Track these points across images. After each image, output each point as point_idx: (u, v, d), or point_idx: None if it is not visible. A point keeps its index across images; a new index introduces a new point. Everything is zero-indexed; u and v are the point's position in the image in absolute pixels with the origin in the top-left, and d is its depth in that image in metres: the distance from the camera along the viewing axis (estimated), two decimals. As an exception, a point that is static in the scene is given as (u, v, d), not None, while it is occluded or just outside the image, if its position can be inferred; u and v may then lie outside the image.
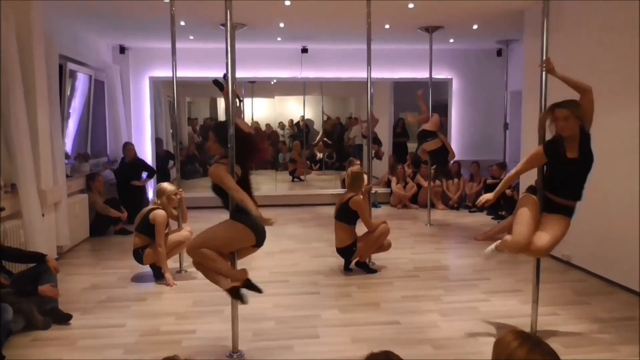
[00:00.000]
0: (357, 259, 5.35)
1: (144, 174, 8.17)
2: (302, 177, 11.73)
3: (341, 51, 9.23)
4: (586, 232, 3.67)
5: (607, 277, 4.93)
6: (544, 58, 3.56)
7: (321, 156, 12.48)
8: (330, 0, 5.94)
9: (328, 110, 12.83)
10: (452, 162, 8.48)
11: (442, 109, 9.90)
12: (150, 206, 5.16)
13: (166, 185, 5.23)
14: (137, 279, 5.16)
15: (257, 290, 3.49)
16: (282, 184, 10.98)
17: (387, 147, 10.84)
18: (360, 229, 5.32)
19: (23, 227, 5.00)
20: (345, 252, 5.30)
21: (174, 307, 4.39)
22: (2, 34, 4.82)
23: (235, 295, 3.41)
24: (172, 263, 5.26)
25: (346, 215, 5.24)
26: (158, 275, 5.07)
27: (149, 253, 5.02)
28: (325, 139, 12.17)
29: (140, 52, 9.10)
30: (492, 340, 1.75)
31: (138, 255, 5.08)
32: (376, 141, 9.93)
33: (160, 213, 4.99)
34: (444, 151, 7.95)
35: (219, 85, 3.85)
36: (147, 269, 5.21)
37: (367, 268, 5.35)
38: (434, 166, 8.06)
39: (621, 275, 4.73)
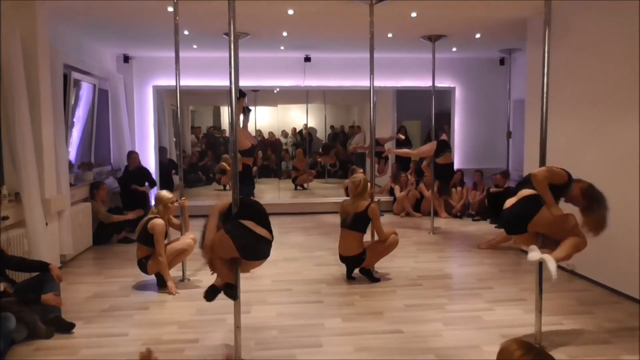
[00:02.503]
0: (362, 266, 5.34)
1: (147, 183, 8.18)
2: (305, 185, 11.73)
3: (344, 60, 9.27)
4: (591, 241, 3.64)
5: (611, 287, 4.90)
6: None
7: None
8: (333, 9, 5.97)
9: (331, 119, 12.86)
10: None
11: (444, 117, 9.93)
12: (149, 215, 5.14)
13: (164, 193, 5.20)
14: (140, 287, 5.16)
15: (232, 297, 3.42)
16: (285, 192, 10.99)
17: (390, 156, 10.81)
18: (364, 237, 5.31)
19: (27, 236, 5.02)
20: (354, 260, 5.26)
21: (176, 316, 4.38)
22: (8, 43, 4.86)
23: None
24: (175, 272, 5.26)
25: (360, 223, 5.20)
26: (162, 283, 5.06)
27: (152, 263, 5.02)
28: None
29: (144, 61, 9.16)
30: (496, 349, 1.74)
31: (142, 266, 5.08)
32: (382, 154, 9.77)
33: (158, 222, 4.96)
34: (451, 168, 7.95)
35: (240, 93, 3.91)
36: (149, 277, 5.20)
37: (371, 276, 5.33)
38: (437, 182, 8.05)
39: (626, 285, 4.70)
